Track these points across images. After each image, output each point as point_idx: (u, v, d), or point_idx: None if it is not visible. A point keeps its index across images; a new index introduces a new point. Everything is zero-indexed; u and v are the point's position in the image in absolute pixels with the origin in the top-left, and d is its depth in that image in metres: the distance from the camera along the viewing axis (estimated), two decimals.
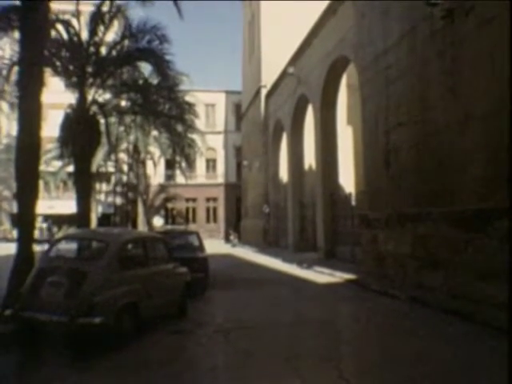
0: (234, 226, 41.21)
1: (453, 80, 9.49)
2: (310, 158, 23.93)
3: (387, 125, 12.37)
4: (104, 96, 15.23)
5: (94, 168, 15.14)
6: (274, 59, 27.92)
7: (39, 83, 8.92)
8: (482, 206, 8.63)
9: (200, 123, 26.50)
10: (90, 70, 13.57)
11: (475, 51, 8.88)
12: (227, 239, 38.14)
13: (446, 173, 9.76)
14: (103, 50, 14.25)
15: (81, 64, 13.40)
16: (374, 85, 13.22)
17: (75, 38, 13.56)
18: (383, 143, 12.57)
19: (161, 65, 14.17)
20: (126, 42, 14.26)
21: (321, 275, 14.79)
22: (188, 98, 19.63)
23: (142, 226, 37.16)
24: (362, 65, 14.19)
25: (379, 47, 12.71)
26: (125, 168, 34.52)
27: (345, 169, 22.10)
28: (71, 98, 13.88)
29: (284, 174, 28.10)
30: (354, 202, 17.28)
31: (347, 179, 23.00)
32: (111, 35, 14.54)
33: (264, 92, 30.71)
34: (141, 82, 15.57)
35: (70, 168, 18.42)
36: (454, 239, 9.38)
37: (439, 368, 5.56)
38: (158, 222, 39.88)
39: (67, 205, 31.64)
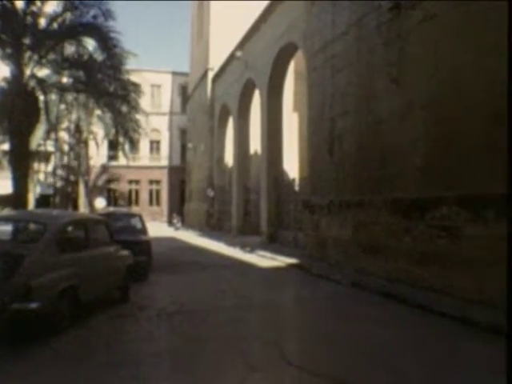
0: (178, 209, 40.83)
1: (397, 71, 9.77)
2: (255, 143, 24.00)
3: (332, 112, 12.59)
4: (44, 71, 14.55)
5: (32, 147, 14.44)
6: (223, 42, 27.64)
7: None
8: (420, 194, 9.00)
9: (145, 104, 25.95)
10: (27, 42, 12.87)
11: (419, 44, 9.16)
12: (170, 222, 37.75)
13: (388, 161, 10.08)
14: (42, 22, 13.55)
15: (16, 35, 12.66)
16: (321, 73, 13.38)
17: (9, 5, 12.76)
18: (328, 130, 12.79)
19: (106, 42, 13.68)
20: (69, 16, 13.63)
21: (264, 259, 14.96)
22: (134, 78, 19.11)
23: (83, 208, 36.11)
24: (310, 52, 14.31)
25: (327, 36, 12.86)
26: (66, 148, 33.28)
27: (290, 154, 22.33)
28: (6, 71, 13.18)
29: (229, 157, 28.08)
30: (297, 188, 17.54)
31: (292, 165, 23.26)
32: (52, 7, 13.85)
33: (211, 75, 30.42)
34: (85, 58, 14.96)
35: (6, 146, 17.55)
36: (393, 226, 9.75)
37: (375, 347, 5.81)
38: (100, 203, 38.80)
39: (2, 185, 30.15)
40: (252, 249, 17.37)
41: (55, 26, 13.57)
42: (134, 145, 21.99)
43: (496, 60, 7.30)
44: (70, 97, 19.17)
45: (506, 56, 7.13)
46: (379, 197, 10.34)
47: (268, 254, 15.59)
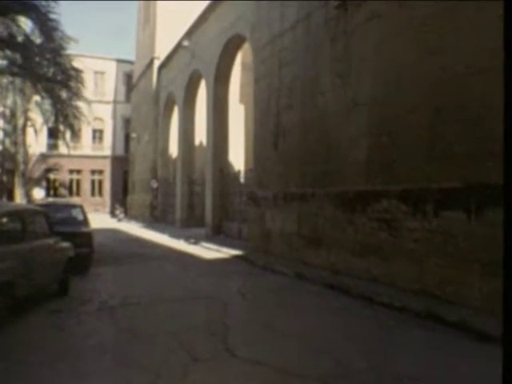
0: (121, 201, 39.95)
1: (343, 67, 9.93)
2: (200, 134, 23.81)
3: (278, 106, 12.66)
4: None
5: None
6: (170, 31, 27.20)
7: None
8: (362, 188, 9.23)
9: (88, 91, 25.06)
10: None
11: (364, 42, 9.35)
12: (113, 214, 36.90)
13: (332, 155, 10.26)
14: None
15: None
16: (268, 65, 13.41)
17: None
18: (273, 123, 12.86)
19: (45, 23, 13.03)
20: None
21: (208, 251, 14.90)
22: (75, 64, 18.39)
23: (20, 199, 34.58)
24: (258, 45, 14.30)
25: (276, 29, 12.89)
26: (0, 134, 31.71)
27: (235, 146, 22.33)
28: None
29: (174, 148, 27.72)
30: (243, 180, 17.56)
31: (237, 157, 23.28)
32: None
33: (157, 64, 29.85)
34: (20, 39, 14.19)
35: None
36: (336, 218, 9.96)
37: (318, 337, 5.91)
38: (38, 194, 37.38)
39: None
40: (196, 241, 17.27)
41: None
42: (75, 133, 21.29)
43: (438, 60, 7.56)
44: (4, 80, 18.19)
45: (447, 56, 7.42)
46: (323, 190, 10.52)
47: (213, 246, 15.54)
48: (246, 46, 17.74)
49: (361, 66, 9.45)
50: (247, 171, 17.48)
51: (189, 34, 22.95)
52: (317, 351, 5.42)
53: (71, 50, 18.30)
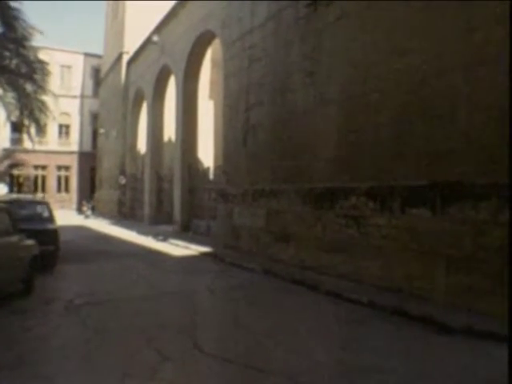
0: (88, 197, 39.24)
1: (312, 65, 9.98)
2: (169, 130, 23.58)
3: (248, 102, 12.64)
4: None
5: None
6: (139, 25, 26.81)
7: None
8: (331, 185, 9.32)
9: (54, 85, 24.54)
10: None
11: (333, 41, 9.42)
12: (80, 210, 36.21)
13: (301, 152, 10.31)
14: None
15: None
16: (237, 62, 13.37)
17: None
18: (243, 120, 12.84)
19: (6, 11, 12.52)
20: None
21: (177, 248, 14.80)
22: (41, 56, 17.90)
23: None
24: (228, 41, 14.24)
25: (246, 26, 12.86)
26: None
27: (204, 143, 22.21)
28: None
29: (142, 144, 27.38)
30: (212, 176, 17.49)
31: (206, 153, 23.15)
32: None
33: (126, 58, 29.39)
34: None
35: None
36: (305, 215, 10.02)
37: (286, 333, 5.95)
38: (1, 190, 36.35)
39: None
40: (165, 237, 17.12)
41: None
42: (40, 128, 20.76)
43: (404, 60, 7.69)
44: None
45: (413, 56, 7.56)
46: (292, 186, 10.57)
47: (181, 243, 15.44)
48: (216, 43, 17.64)
49: (330, 64, 9.52)
50: (216, 168, 17.42)
51: (158, 29, 22.67)
52: (285, 347, 5.45)
53: (37, 42, 17.84)
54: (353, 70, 8.90)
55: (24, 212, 11.45)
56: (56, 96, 21.25)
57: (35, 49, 16.85)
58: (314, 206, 9.80)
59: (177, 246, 15.29)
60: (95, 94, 42.55)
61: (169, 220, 21.70)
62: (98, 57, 41.41)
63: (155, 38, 22.19)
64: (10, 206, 9.81)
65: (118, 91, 30.83)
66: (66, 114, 41.87)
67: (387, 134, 8.02)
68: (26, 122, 21.84)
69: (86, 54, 43.87)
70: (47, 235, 10.37)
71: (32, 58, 15.56)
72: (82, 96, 43.86)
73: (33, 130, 25.94)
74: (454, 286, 6.65)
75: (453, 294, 6.66)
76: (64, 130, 43.68)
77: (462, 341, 5.57)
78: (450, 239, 6.74)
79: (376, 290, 7.73)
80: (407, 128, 7.64)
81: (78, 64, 43.61)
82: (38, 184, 42.24)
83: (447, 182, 6.85)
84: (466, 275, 6.48)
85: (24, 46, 14.39)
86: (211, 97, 24.85)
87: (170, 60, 21.42)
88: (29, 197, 21.25)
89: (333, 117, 9.40)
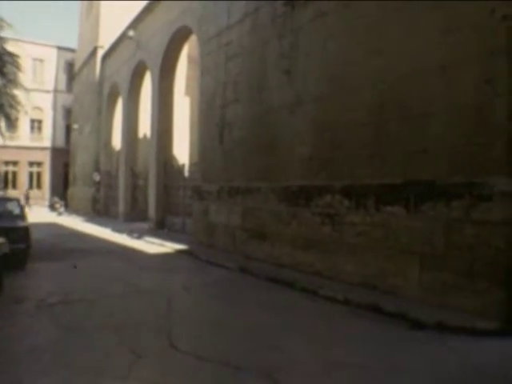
0: (61, 194, 38.59)
1: (289, 63, 10.00)
2: (145, 126, 23.34)
3: (224, 99, 12.60)
4: None
5: None
6: (114, 19, 26.40)
7: None
8: (306, 183, 9.36)
9: (26, 79, 23.97)
10: None
11: (310, 39, 9.46)
12: (53, 207, 35.59)
13: (277, 150, 10.33)
14: None
15: None
16: (214, 59, 13.31)
17: None
18: (219, 117, 12.80)
19: None
20: None
21: (152, 245, 14.68)
22: (11, 48, 17.46)
23: None
24: (205, 38, 14.16)
25: (223, 22, 12.80)
26: None
27: (180, 139, 22.06)
28: None
29: (117, 140, 27.05)
30: (187, 173, 17.38)
31: (182, 150, 22.99)
32: None
33: (101, 53, 28.93)
34: None
35: None
36: (281, 213, 10.05)
37: (262, 330, 5.96)
38: None
39: None
40: (140, 235, 16.96)
41: None
42: (11, 123, 20.31)
43: (380, 59, 7.76)
44: None
45: (389, 56, 7.63)
46: (268, 184, 10.58)
47: (156, 240, 15.32)
48: (193, 39, 17.52)
49: (307, 63, 9.55)
50: (192, 165, 17.31)
51: (134, 24, 22.38)
52: (261, 344, 5.45)
53: (6, 34, 17.37)
54: (329, 69, 8.95)
55: None
56: (28, 90, 20.82)
57: (4, 40, 16.41)
58: (289, 204, 9.83)
59: (152, 243, 15.16)
60: (69, 88, 41.77)
61: (144, 217, 21.50)
62: (72, 51, 40.63)
63: (131, 33, 21.89)
64: None
65: (92, 86, 30.36)
66: (39, 108, 41.08)
67: (363, 132, 8.09)
68: None
69: (60, 48, 43.02)
70: (18, 233, 10.13)
71: (1, 50, 15.13)
72: (56, 90, 43.06)
73: (3, 124, 25.38)
74: (427, 283, 6.76)
75: (426, 291, 6.77)
76: (36, 125, 42.83)
77: (434, 336, 5.68)
78: (423, 237, 6.84)
79: (351, 287, 7.80)
80: (382, 127, 7.72)
81: (51, 58, 42.74)
82: (8, 180, 41.32)
83: (421, 181, 6.96)
84: (438, 272, 6.60)
85: None
86: (187, 93, 24.68)
87: (146, 55, 21.20)
88: None
89: (309, 115, 9.43)
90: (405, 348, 5.31)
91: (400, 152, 7.35)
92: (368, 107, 8.01)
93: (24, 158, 41.53)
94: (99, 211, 28.52)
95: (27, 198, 35.64)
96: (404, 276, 7.14)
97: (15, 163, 41.50)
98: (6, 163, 40.75)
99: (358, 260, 7.99)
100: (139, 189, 23.93)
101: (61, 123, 43.15)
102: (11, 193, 33.68)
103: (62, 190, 40.33)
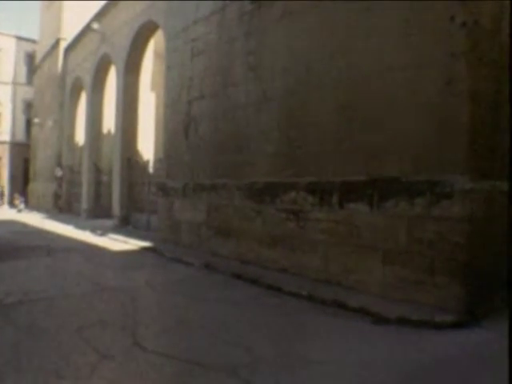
0: (22, 190, 37.56)
1: (255, 61, 10.01)
2: (109, 121, 22.98)
3: (190, 96, 12.51)
4: None
5: None
6: (78, 10, 25.85)
7: None
8: (271, 179, 9.41)
9: None
10: None
11: (277, 37, 9.50)
12: (12, 204, 34.60)
13: (243, 147, 10.34)
14: None
15: None
16: (180, 54, 13.19)
17: None
18: (184, 113, 12.70)
19: None
20: None
21: (116, 242, 14.47)
22: None
23: None
24: (171, 33, 14.01)
25: (190, 18, 12.69)
26: None
27: (145, 135, 21.79)
28: None
29: (81, 135, 26.52)
30: (152, 170, 17.21)
31: (147, 145, 22.72)
32: None
33: (63, 45, 28.23)
34: None
35: None
36: (246, 209, 10.07)
37: (227, 327, 5.96)
38: None
39: None
40: (103, 232, 16.69)
41: None
42: None
43: (345, 58, 7.87)
44: None
45: (354, 55, 7.74)
46: (234, 181, 10.58)
47: (120, 238, 15.11)
48: (160, 34, 17.32)
49: (273, 60, 9.59)
50: (157, 161, 17.13)
51: (99, 16, 21.93)
52: (226, 342, 5.46)
53: None
54: (295, 67, 9.01)
55: None
56: None
57: None
58: (254, 201, 9.86)
59: (116, 240, 14.94)
60: (29, 81, 40.58)
61: (107, 214, 21.17)
62: (33, 41, 39.43)
63: (95, 26, 21.46)
64: None
65: (54, 79, 29.60)
66: None
67: (328, 130, 8.19)
68: None
69: (19, 38, 41.56)
70: None
71: None
72: (15, 83, 41.73)
73: None
74: (390, 278, 6.91)
75: (389, 286, 6.92)
76: None
77: (396, 330, 5.81)
78: (386, 233, 6.99)
79: (316, 284, 7.90)
80: (347, 125, 7.83)
81: (10, 48, 41.22)
82: None
83: (384, 178, 7.10)
84: (401, 267, 6.76)
85: None
86: (153, 89, 24.36)
87: (111, 49, 20.83)
88: None
89: (274, 112, 9.48)
90: (366, 342, 5.42)
91: (364, 150, 7.47)
92: (332, 105, 8.11)
93: None
94: (61, 208, 27.91)
95: None
96: (367, 272, 7.27)
97: None
98: None
99: (322, 256, 8.09)
100: (103, 185, 23.53)
101: (21, 117, 41.87)
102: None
103: (22, 186, 39.24)
